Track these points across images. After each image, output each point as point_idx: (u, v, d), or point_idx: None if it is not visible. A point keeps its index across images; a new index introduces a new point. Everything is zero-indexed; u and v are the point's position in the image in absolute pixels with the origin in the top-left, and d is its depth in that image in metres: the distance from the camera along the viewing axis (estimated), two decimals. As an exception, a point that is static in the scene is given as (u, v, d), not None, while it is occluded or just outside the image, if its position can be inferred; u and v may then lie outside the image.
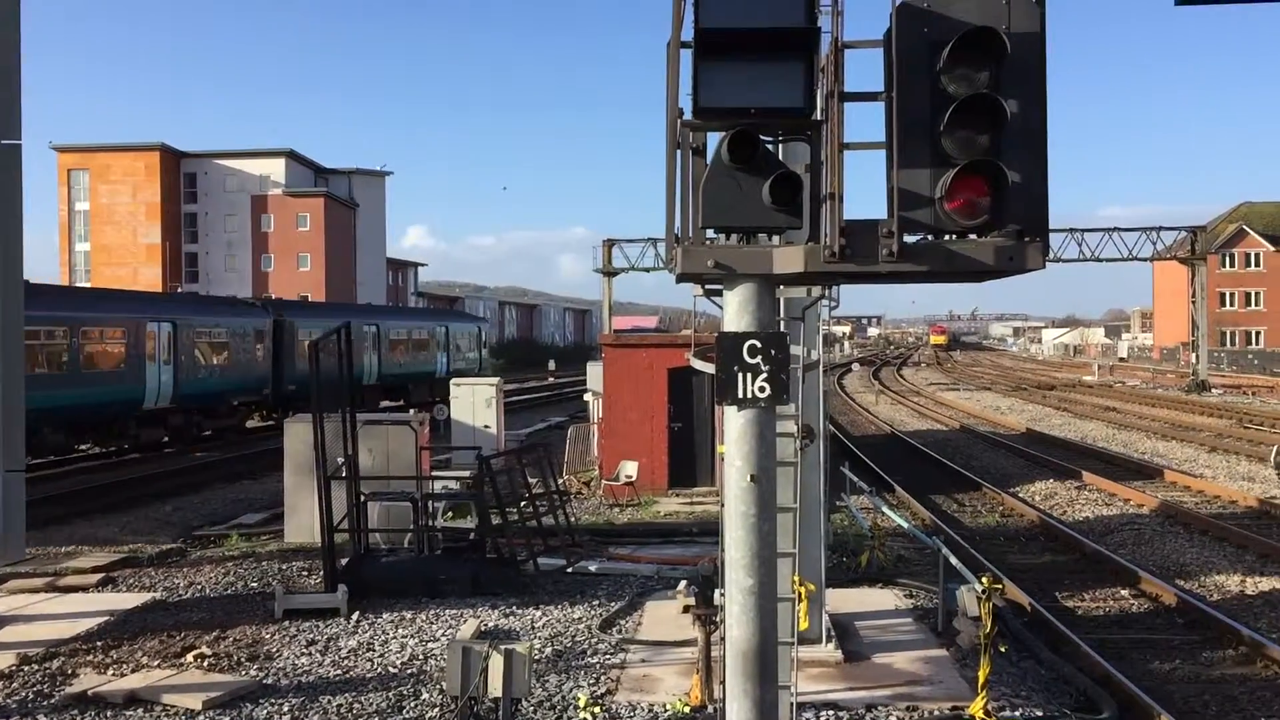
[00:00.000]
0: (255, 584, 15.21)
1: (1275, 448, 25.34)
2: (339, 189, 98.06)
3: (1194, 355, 61.00)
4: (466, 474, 19.43)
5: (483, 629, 12.72)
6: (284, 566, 16.33)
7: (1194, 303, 61.14)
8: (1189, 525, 19.11)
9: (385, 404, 46.12)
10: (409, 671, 11.16)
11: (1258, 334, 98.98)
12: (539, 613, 13.37)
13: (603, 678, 10.84)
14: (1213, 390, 56.88)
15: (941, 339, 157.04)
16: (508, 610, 13.50)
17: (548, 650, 11.79)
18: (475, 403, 27.72)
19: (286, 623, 13.01)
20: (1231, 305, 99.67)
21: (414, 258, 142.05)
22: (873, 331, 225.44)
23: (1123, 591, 14.76)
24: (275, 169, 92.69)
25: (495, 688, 8.28)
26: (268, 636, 12.50)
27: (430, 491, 16.97)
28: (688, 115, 6.00)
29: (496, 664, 8.25)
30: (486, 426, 27.38)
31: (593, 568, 15.73)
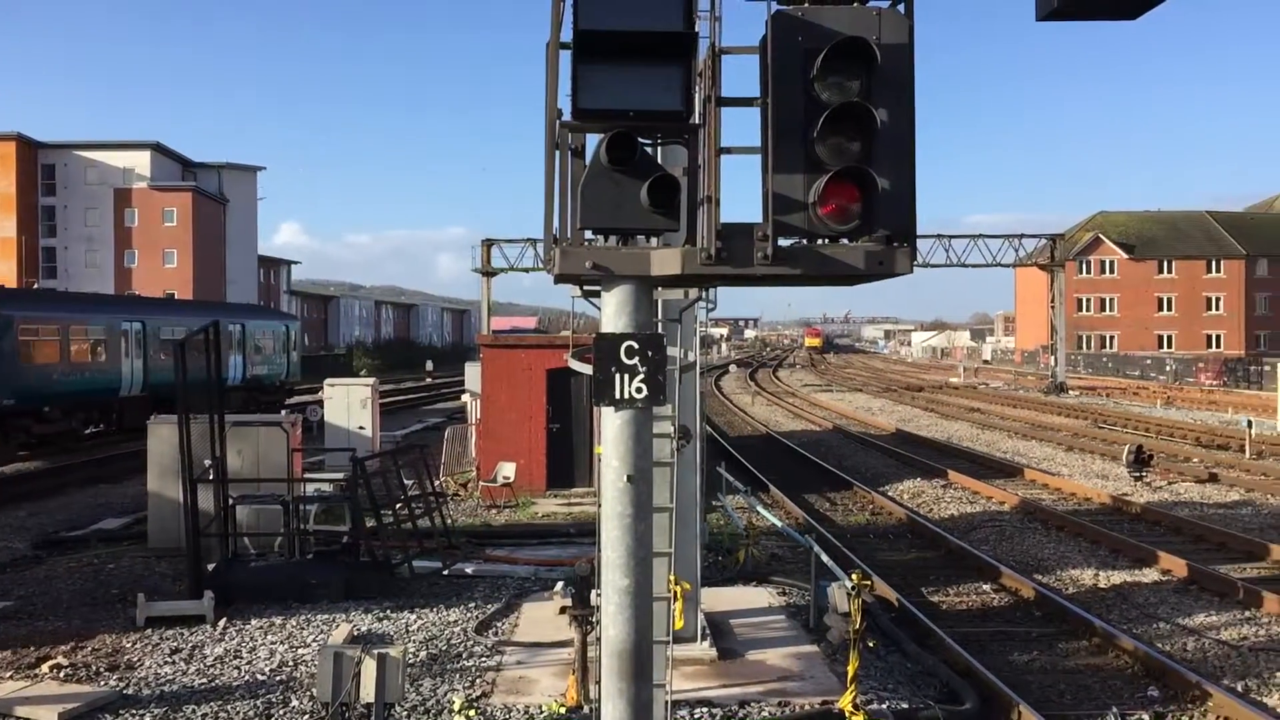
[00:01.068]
0: (116, 591, 14.64)
1: (1127, 447, 26.57)
2: (208, 184, 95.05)
3: (1053, 358, 63.56)
4: (340, 476, 19.07)
5: (355, 634, 12.49)
6: (147, 573, 15.77)
7: (1053, 308, 63.71)
8: (1047, 522, 19.89)
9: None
10: (278, 679, 10.90)
11: (1112, 338, 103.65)
12: (414, 616, 13.20)
13: (478, 680, 10.76)
14: (1070, 392, 59.32)
15: (816, 341, 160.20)
16: (382, 614, 13.29)
17: (422, 654, 11.65)
18: (350, 404, 27.23)
19: (149, 631, 12.57)
20: (1088, 310, 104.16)
21: (287, 255, 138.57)
22: (750, 333, 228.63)
23: (985, 586, 15.29)
24: (140, 162, 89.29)
25: (368, 693, 8.15)
26: (129, 645, 12.05)
27: (302, 494, 16.61)
28: (567, 116, 6.00)
29: (369, 669, 8.12)
30: (361, 428, 26.92)
31: (469, 570, 15.60)
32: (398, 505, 15.99)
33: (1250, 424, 31.04)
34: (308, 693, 10.29)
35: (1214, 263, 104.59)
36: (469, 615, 13.23)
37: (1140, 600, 14.31)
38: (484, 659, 11.48)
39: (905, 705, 9.94)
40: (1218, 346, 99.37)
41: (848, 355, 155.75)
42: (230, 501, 14.80)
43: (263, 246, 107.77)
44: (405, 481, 18.15)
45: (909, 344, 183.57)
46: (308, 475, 20.64)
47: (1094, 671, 11.50)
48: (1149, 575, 15.65)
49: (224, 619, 12.93)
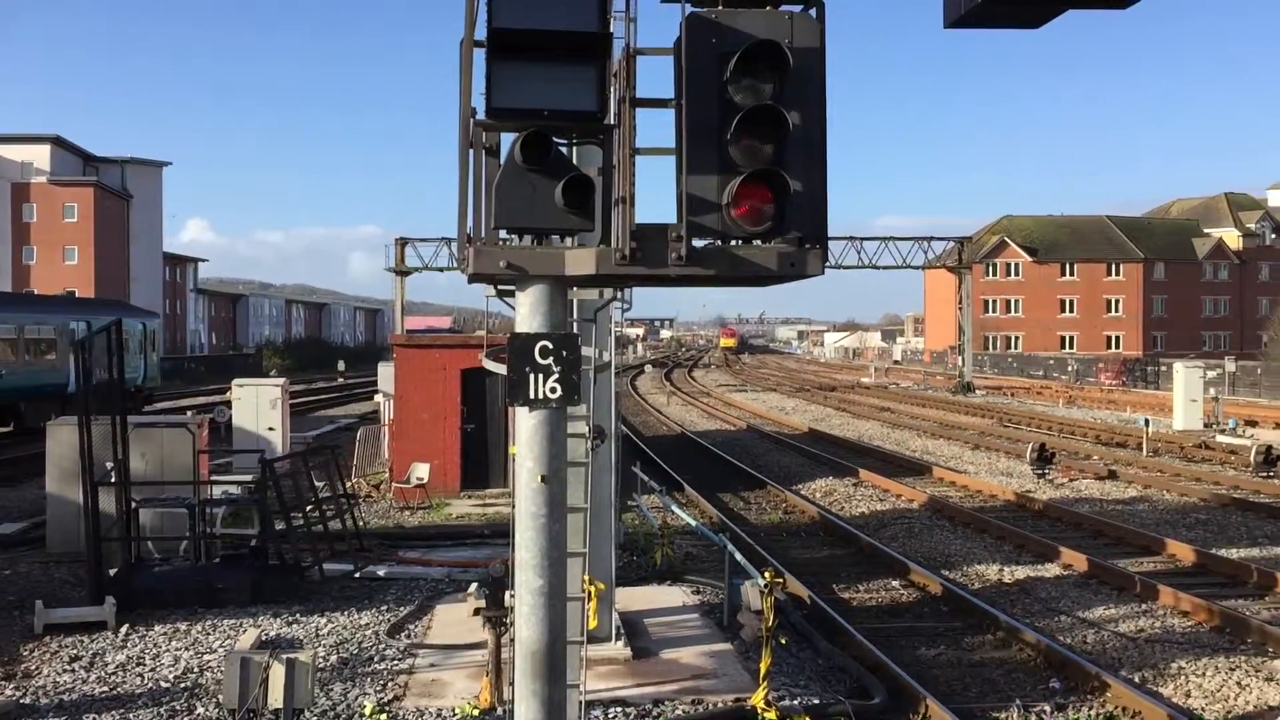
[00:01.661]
0: (13, 598, 14.16)
1: (1031, 445, 27.26)
2: (111, 179, 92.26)
3: (960, 359, 64.95)
4: (249, 478, 18.69)
5: (263, 638, 12.23)
6: (46, 579, 15.28)
7: (961, 309, 65.10)
8: (954, 519, 20.32)
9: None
10: (182, 686, 10.65)
11: (1017, 339, 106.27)
12: (324, 620, 13.00)
13: (390, 684, 10.64)
14: (977, 391, 60.67)
15: (731, 342, 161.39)
16: (291, 618, 13.06)
17: (333, 658, 11.48)
18: (259, 404, 26.69)
19: (48, 638, 12.18)
20: (994, 312, 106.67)
21: (194, 253, 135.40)
22: (665, 334, 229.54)
23: (894, 582, 15.57)
24: (39, 156, 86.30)
25: (276, 699, 8.00)
26: (26, 654, 11.67)
27: (208, 497, 16.25)
28: (481, 115, 5.97)
29: (277, 674, 7.98)
30: (271, 429, 26.40)
31: (381, 572, 15.41)
32: (308, 507, 15.73)
33: (1147, 423, 32.08)
34: (213, 699, 10.08)
35: (1114, 266, 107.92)
36: (381, 618, 13.07)
37: (1043, 594, 14.70)
38: (396, 662, 11.35)
39: (816, 701, 10.07)
40: (1117, 347, 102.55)
41: (762, 355, 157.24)
42: (133, 505, 14.42)
43: (168, 244, 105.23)
44: (316, 483, 17.88)
45: (822, 344, 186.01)
46: (215, 478, 20.21)
47: (999, 665, 11.77)
48: (1051, 570, 16.08)
49: (126, 625, 12.58)
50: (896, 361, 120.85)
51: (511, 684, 6.54)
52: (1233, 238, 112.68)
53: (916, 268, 63.94)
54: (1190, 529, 19.33)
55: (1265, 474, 25.20)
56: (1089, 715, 10.10)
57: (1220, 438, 33.14)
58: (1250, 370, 61.82)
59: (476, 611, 12.23)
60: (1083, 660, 11.37)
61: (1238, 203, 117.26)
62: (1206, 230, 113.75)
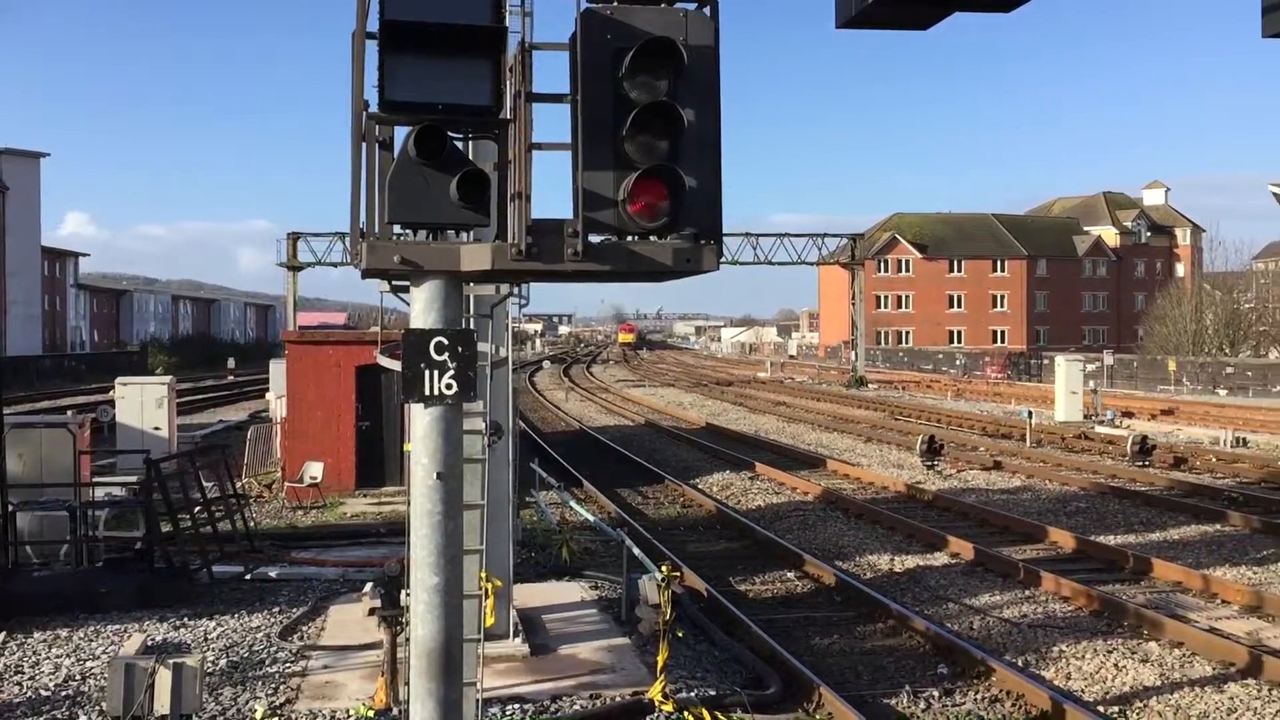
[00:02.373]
0: (-123, 608, 13.50)
1: (920, 437, 27.94)
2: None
3: (853, 353, 66.25)
4: (134, 479, 18.12)
5: (149, 643, 11.89)
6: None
7: (853, 304, 66.40)
8: (848, 510, 20.73)
9: None
10: (64, 694, 10.29)
11: (907, 333, 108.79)
12: (213, 623, 12.69)
13: (282, 687, 10.44)
14: (869, 385, 61.95)
15: (630, 337, 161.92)
16: (178, 622, 12.72)
17: (222, 662, 11.21)
18: (144, 403, 25.91)
19: (-84, 649, 11.65)
20: (886, 307, 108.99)
21: (75, 247, 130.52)
22: (564, 329, 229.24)
23: (789, 574, 15.81)
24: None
25: (163, 705, 7.79)
26: (-108, 666, 11.14)
27: (91, 499, 15.72)
28: (374, 108, 5.89)
29: (164, 679, 7.77)
30: (157, 429, 25.65)
31: (273, 574, 15.09)
32: (196, 509, 15.33)
33: (1030, 414, 33.16)
34: (97, 707, 9.76)
35: (999, 263, 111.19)
36: (273, 620, 12.81)
37: (932, 583, 15.08)
38: (288, 665, 11.14)
39: (713, 692, 10.18)
40: (1002, 342, 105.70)
41: (660, 351, 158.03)
42: (9, 508, 13.87)
43: (47, 237, 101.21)
44: (205, 484, 17.44)
45: (719, 340, 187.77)
46: (97, 479, 19.54)
47: (889, 652, 12.05)
48: (940, 559, 16.51)
49: (3, 634, 12.10)
50: (792, 356, 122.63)
51: (407, 684, 6.47)
52: (1111, 235, 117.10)
53: (811, 264, 64.95)
54: (1071, 517, 20.03)
55: (1141, 463, 26.24)
56: (975, 699, 10.41)
57: (1099, 429, 34.42)
58: (1127, 363, 64.37)
59: (372, 611, 12.05)
60: (969, 646, 11.71)
61: (1115, 202, 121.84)
62: (1086, 228, 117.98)
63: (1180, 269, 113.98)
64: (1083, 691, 10.68)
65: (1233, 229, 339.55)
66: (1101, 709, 10.12)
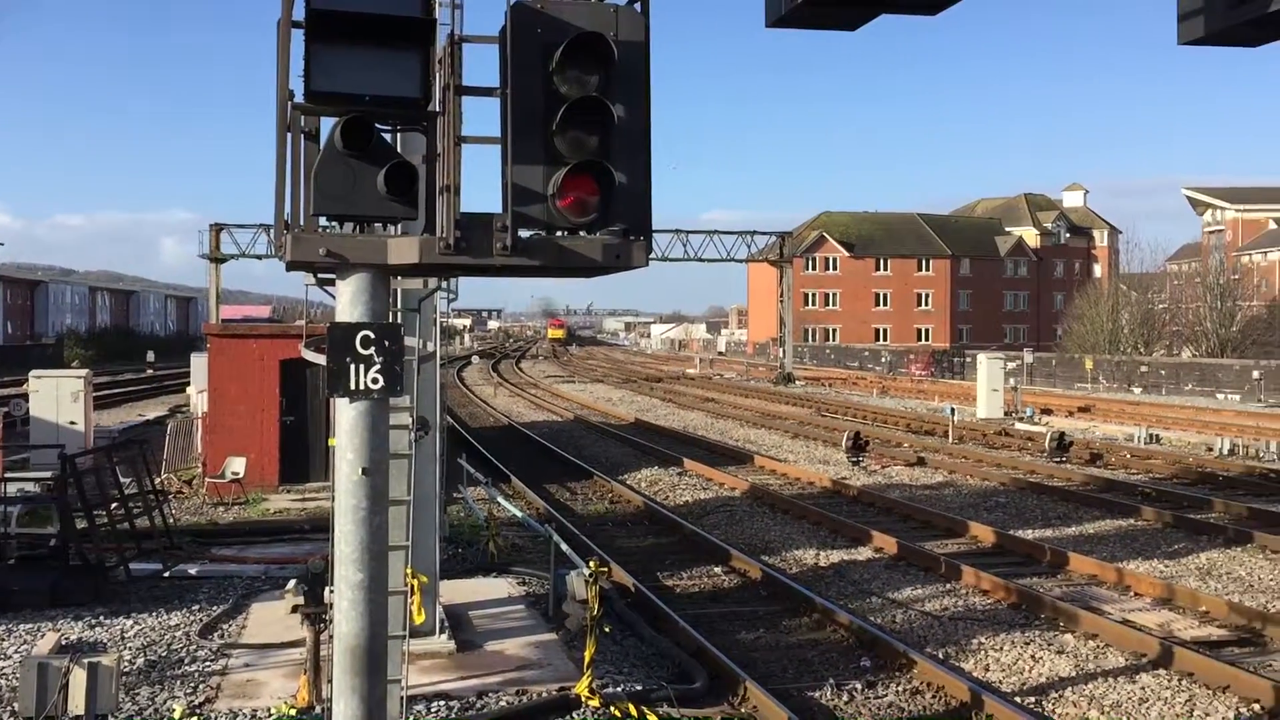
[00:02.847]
0: None
1: (846, 434, 28.28)
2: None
3: (781, 350, 66.84)
4: (48, 475, 17.65)
5: (64, 642, 11.56)
6: None
7: (782, 302, 66.99)
8: (774, 506, 20.91)
9: None
10: (-27, 696, 9.99)
11: (835, 331, 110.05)
12: (130, 622, 12.41)
13: (202, 686, 10.25)
14: (797, 382, 62.54)
15: (559, 333, 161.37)
16: (94, 621, 12.43)
17: (139, 661, 10.98)
18: (59, 397, 25.26)
19: None
20: (813, 305, 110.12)
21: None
22: (493, 325, 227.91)
23: (716, 569, 15.91)
24: None
25: (77, 705, 7.61)
26: None
27: (2, 495, 15.28)
28: (299, 98, 5.81)
29: (79, 679, 7.58)
30: (73, 423, 25.03)
31: (193, 571, 14.81)
32: (113, 505, 14.98)
33: (953, 411, 33.72)
34: (8, 708, 9.50)
35: (924, 262, 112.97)
36: (192, 618, 12.57)
37: (856, 577, 15.29)
38: (208, 663, 10.95)
39: (640, 687, 10.22)
40: (927, 340, 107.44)
41: (590, 347, 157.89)
42: (-85, 504, 13.44)
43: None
44: (123, 479, 17.06)
45: (649, 336, 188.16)
46: (9, 475, 19.01)
47: (814, 646, 12.20)
48: (864, 553, 16.74)
49: (-92, 634, 11.72)
50: (721, 353, 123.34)
51: (330, 681, 6.40)
52: (1031, 236, 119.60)
53: (740, 261, 65.43)
54: (991, 511, 20.43)
55: (1058, 459, 26.86)
56: (896, 691, 10.58)
57: (1019, 425, 35.14)
58: (1046, 362, 65.85)
59: (295, 609, 11.90)
60: (891, 639, 11.90)
61: (1036, 203, 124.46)
62: (1008, 229, 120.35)
63: (1098, 269, 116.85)
64: (1001, 683, 10.91)
65: (1148, 231, 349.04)
66: (1018, 700, 10.34)
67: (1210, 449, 29.07)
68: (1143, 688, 10.63)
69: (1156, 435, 32.32)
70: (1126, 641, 11.92)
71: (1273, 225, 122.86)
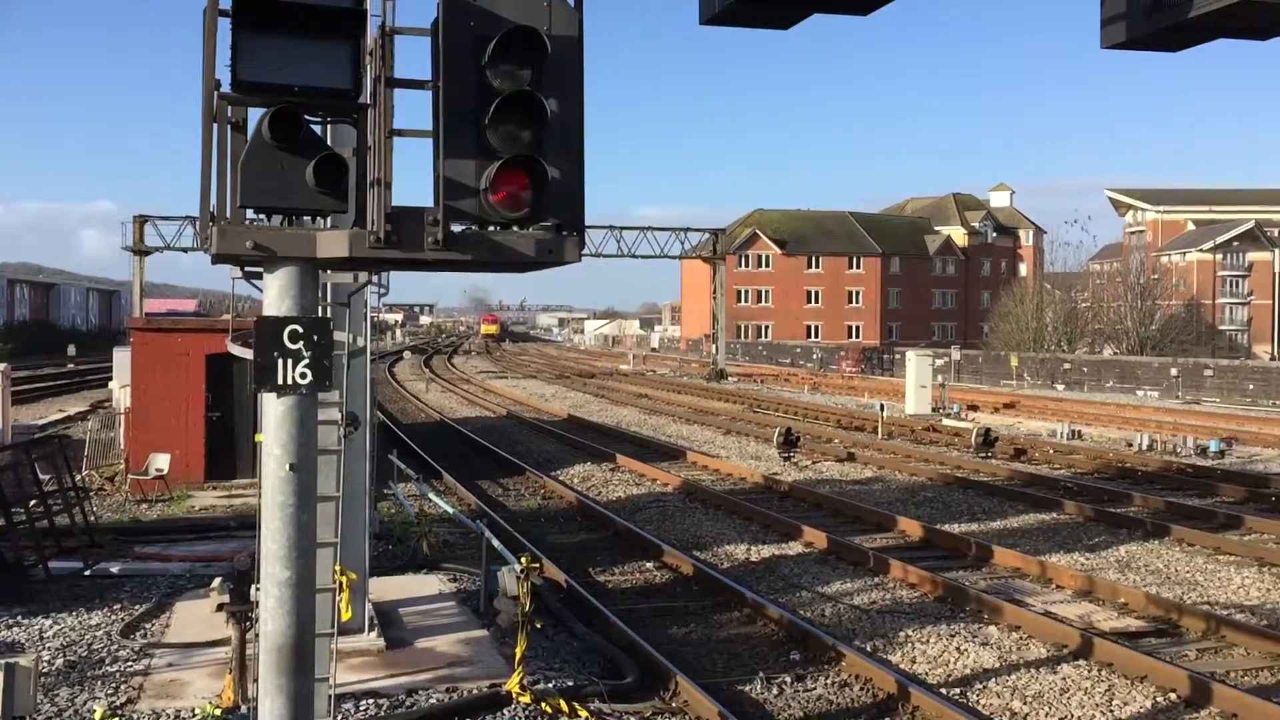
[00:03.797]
0: None
1: (778, 430, 28.53)
2: None
3: (714, 346, 67.17)
4: (-39, 471, 17.17)
5: (-21, 644, 11.31)
6: None
7: (715, 298, 67.31)
8: (706, 501, 21.03)
9: None
10: (-118, 699, 9.67)
11: (767, 328, 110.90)
12: (50, 622, 12.12)
13: (123, 686, 10.04)
14: (729, 378, 62.90)
15: (493, 328, 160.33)
16: (12, 621, 12.11)
17: (59, 661, 10.73)
18: (-26, 391, 24.55)
19: None
20: (746, 301, 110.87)
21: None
22: (425, 320, 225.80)
23: (649, 564, 15.96)
24: None
25: (-7, 708, 7.40)
26: None
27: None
28: (226, 88, 5.71)
29: (-5, 681, 7.38)
30: (-12, 418, 24.33)
31: (115, 569, 14.50)
32: (32, 502, 14.61)
33: (882, 408, 34.19)
34: (-81, 713, 9.22)
35: (855, 259, 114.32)
36: (114, 618, 12.31)
37: (787, 571, 15.44)
38: (130, 663, 10.73)
39: (571, 683, 10.21)
40: (857, 336, 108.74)
41: (524, 343, 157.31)
42: None
43: None
44: (42, 476, 16.64)
45: (582, 332, 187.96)
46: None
47: (744, 640, 12.29)
48: (795, 548, 16.90)
49: None
50: (654, 349, 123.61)
51: (256, 681, 6.31)
52: (960, 235, 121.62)
53: (673, 258, 65.66)
54: (919, 506, 20.75)
55: (984, 455, 27.36)
56: (825, 684, 10.70)
57: (946, 421, 35.74)
58: (973, 359, 67.04)
59: (220, 607, 11.70)
60: (821, 633, 12.04)
61: (964, 203, 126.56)
62: (937, 228, 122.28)
63: (1023, 269, 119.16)
64: (927, 674, 11.09)
65: (1072, 231, 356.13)
66: (944, 691, 10.52)
67: (1130, 445, 29.82)
68: (1064, 678, 10.88)
69: (1079, 431, 33.07)
70: (1048, 633, 12.19)
71: (1191, 226, 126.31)
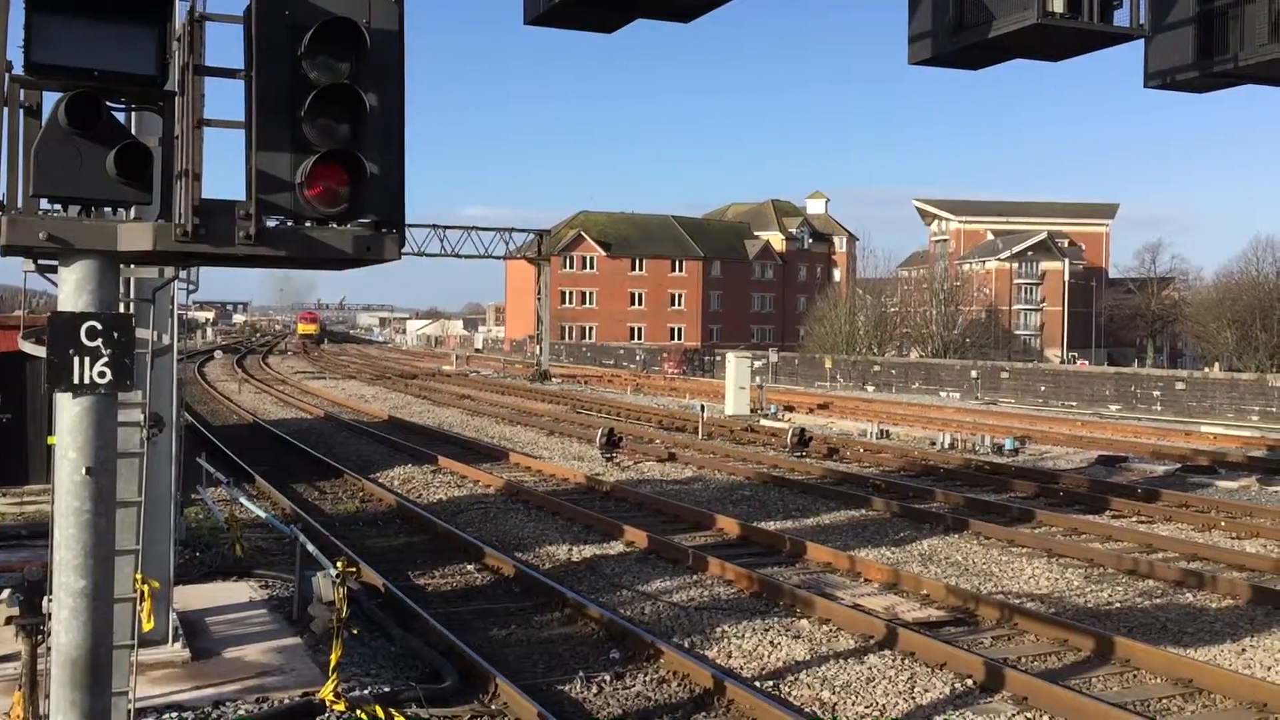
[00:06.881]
0: None
1: (600, 430, 28.71)
2: None
3: (538, 347, 67.12)
4: None
5: None
6: None
7: (539, 299, 67.26)
8: (529, 502, 20.99)
9: None
10: None
11: (591, 329, 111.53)
12: None
13: (-102, 709, 9.32)
14: (553, 379, 62.95)
15: (311, 328, 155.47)
16: None
17: None
18: None
19: None
20: (571, 303, 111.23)
21: None
22: (239, 318, 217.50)
23: (469, 566, 15.83)
24: None
25: None
26: None
27: None
28: (19, 69, 5.39)
29: None
30: None
31: (-112, 583, 13.42)
32: None
33: (703, 408, 34.86)
34: None
35: (678, 263, 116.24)
36: (-113, 635, 11.39)
37: (608, 571, 15.56)
38: (-94, 684, 9.96)
39: (388, 689, 10.04)
40: (680, 338, 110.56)
41: (343, 343, 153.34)
42: None
43: None
44: None
45: (404, 332, 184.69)
46: None
47: (565, 640, 12.33)
48: (616, 547, 17.06)
49: None
50: (478, 350, 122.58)
51: (49, 697, 5.97)
52: (778, 241, 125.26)
53: (498, 258, 65.37)
54: (737, 505, 21.24)
55: (799, 454, 28.24)
56: (644, 681, 10.84)
57: (764, 422, 36.72)
58: (790, 361, 69.15)
59: (9, 620, 11.00)
60: (640, 630, 12.19)
61: (782, 209, 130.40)
62: (756, 233, 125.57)
63: (837, 274, 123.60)
64: (742, 669, 11.38)
65: (882, 238, 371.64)
66: (758, 684, 10.82)
67: (933, 443, 31.29)
68: (870, 668, 11.34)
69: (887, 431, 34.49)
70: (856, 625, 12.68)
71: (990, 236, 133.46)
